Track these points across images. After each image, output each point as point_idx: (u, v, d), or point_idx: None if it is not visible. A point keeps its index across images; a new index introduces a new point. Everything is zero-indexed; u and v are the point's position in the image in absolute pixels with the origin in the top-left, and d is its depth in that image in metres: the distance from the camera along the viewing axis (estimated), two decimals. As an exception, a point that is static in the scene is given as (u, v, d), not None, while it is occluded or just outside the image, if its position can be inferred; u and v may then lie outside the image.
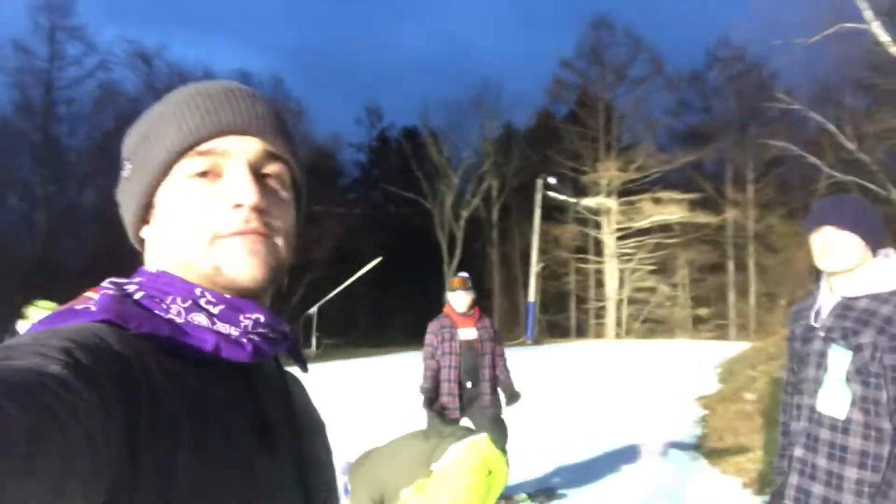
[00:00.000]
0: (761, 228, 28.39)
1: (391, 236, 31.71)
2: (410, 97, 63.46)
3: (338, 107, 68.62)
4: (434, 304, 34.25)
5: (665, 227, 31.65)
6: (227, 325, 0.61)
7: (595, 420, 7.53)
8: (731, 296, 31.38)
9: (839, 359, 1.79)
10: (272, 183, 0.66)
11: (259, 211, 0.63)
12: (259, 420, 0.63)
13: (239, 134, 0.64)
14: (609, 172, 32.55)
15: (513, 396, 4.51)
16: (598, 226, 34.10)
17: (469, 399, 4.36)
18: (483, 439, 2.60)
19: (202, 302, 0.62)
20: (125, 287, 0.63)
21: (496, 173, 34.31)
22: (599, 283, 34.33)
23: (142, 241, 0.69)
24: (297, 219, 0.70)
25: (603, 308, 33.51)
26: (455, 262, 33.50)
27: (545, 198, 27.93)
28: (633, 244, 33.04)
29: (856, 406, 1.75)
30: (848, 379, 1.76)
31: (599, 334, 31.94)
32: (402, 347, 23.38)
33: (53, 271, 21.08)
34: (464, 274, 4.69)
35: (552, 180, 28.49)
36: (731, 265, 31.67)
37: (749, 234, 30.10)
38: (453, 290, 4.52)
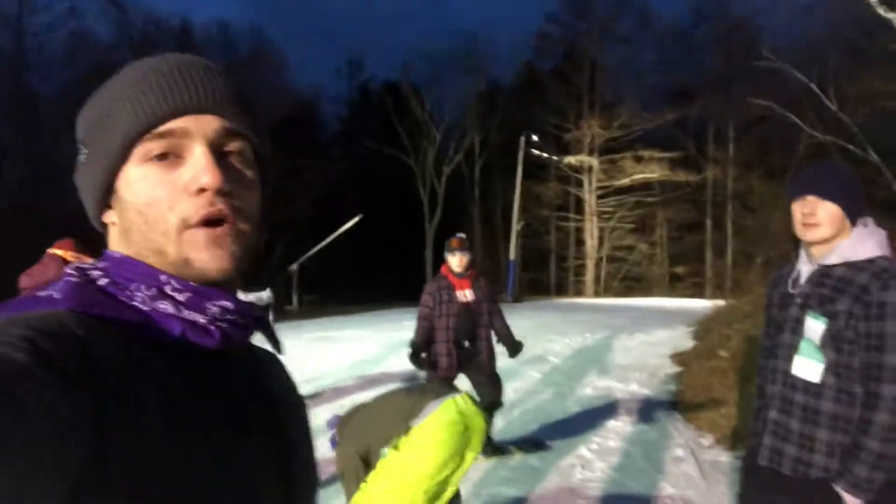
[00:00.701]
0: (740, 188, 28.60)
1: (372, 192, 31.42)
2: (392, 50, 62.09)
3: (318, 58, 67.13)
4: (415, 261, 34.23)
5: (645, 186, 31.81)
6: (193, 313, 0.60)
7: (575, 376, 7.66)
8: (709, 255, 31.81)
9: (814, 325, 1.82)
10: (235, 161, 0.64)
11: (223, 194, 0.61)
12: (232, 405, 0.62)
13: (197, 113, 0.61)
14: (592, 130, 32.46)
15: (515, 347, 4.62)
16: (579, 184, 34.15)
17: (466, 358, 4.44)
18: (461, 397, 2.62)
19: (168, 289, 0.60)
20: (89, 273, 0.61)
21: (479, 129, 33.99)
22: (580, 242, 34.59)
23: (104, 225, 0.66)
24: (263, 195, 0.68)
25: (582, 266, 33.85)
26: (436, 218, 33.43)
27: (528, 155, 27.77)
28: (613, 203, 33.23)
29: (829, 371, 1.79)
30: (822, 345, 1.80)
31: (579, 292, 32.33)
32: (383, 304, 23.48)
33: (27, 222, 20.65)
34: (461, 235, 4.70)
35: (535, 137, 28.29)
36: (709, 224, 32.01)
37: (728, 194, 30.34)
38: (451, 250, 4.53)
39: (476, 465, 4.53)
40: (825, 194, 1.82)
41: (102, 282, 0.60)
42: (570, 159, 33.13)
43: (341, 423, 2.74)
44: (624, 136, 32.06)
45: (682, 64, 33.21)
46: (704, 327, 11.14)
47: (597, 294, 31.23)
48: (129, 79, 0.63)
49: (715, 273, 30.49)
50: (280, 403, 0.71)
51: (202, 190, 0.60)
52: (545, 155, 30.14)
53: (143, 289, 0.60)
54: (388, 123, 33.85)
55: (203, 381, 0.60)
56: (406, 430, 2.47)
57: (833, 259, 1.82)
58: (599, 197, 33.65)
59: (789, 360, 1.88)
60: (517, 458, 4.69)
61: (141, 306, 0.59)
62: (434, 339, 4.43)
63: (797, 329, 1.86)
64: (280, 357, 0.79)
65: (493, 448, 4.66)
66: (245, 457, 0.61)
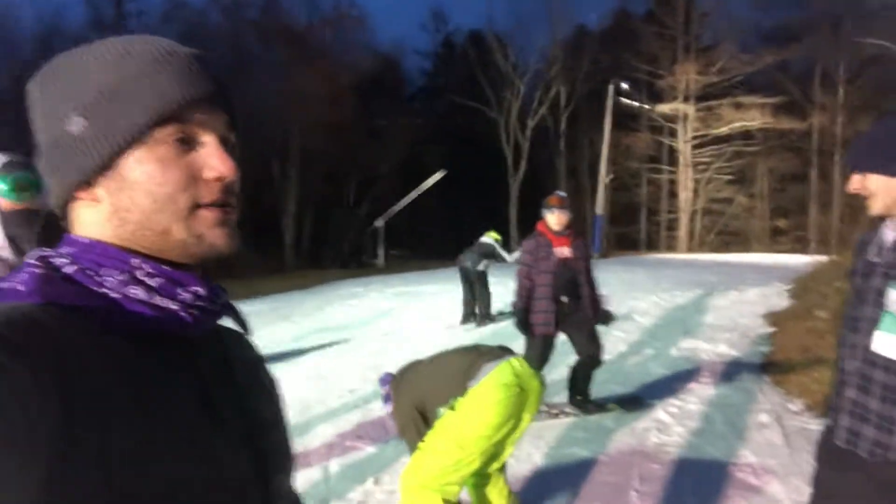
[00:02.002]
0: (849, 135, 26.34)
1: (456, 147, 31.31)
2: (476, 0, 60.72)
3: (401, 13, 66.74)
4: (499, 217, 34.07)
5: (745, 134, 29.90)
6: (165, 300, 0.60)
7: (659, 336, 7.43)
8: (813, 208, 29.70)
9: (890, 295, 1.65)
10: (231, 153, 0.66)
11: (232, 184, 0.64)
12: (203, 391, 0.62)
13: (212, 104, 0.64)
14: (687, 76, 30.76)
15: (606, 316, 4.70)
16: (672, 134, 32.60)
17: (565, 315, 4.46)
18: (517, 359, 2.59)
19: (139, 274, 0.60)
20: (53, 261, 0.60)
21: (565, 79, 32.90)
22: (672, 194, 33.20)
23: (66, 208, 0.64)
24: None
25: (675, 220, 32.57)
26: (520, 173, 32.96)
27: (617, 105, 26.68)
28: (710, 153, 31.53)
29: None
30: None
31: (671, 247, 31.22)
32: (467, 259, 23.61)
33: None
34: (561, 193, 4.70)
35: (625, 86, 27.09)
36: (814, 175, 29.77)
37: (836, 142, 27.98)
38: (549, 208, 4.53)
39: (551, 425, 4.52)
40: (864, 167, 1.70)
41: (69, 269, 0.59)
42: (664, 108, 31.63)
43: (395, 381, 2.76)
44: (722, 82, 30.14)
45: (785, 1, 30.60)
46: (802, 285, 10.48)
47: (690, 249, 30.03)
48: (144, 56, 0.61)
49: (820, 228, 28.50)
50: (250, 385, 0.71)
51: (220, 178, 0.63)
52: (636, 104, 28.90)
53: (114, 274, 0.59)
54: (471, 77, 33.38)
55: (173, 368, 0.60)
56: (463, 390, 2.46)
57: None
58: (695, 147, 32.01)
59: (870, 334, 1.71)
60: (594, 418, 4.63)
61: (111, 293, 0.59)
62: (533, 295, 4.45)
63: (879, 301, 1.70)
64: (249, 336, 0.78)
65: (593, 405, 4.71)
66: (216, 442, 0.61)
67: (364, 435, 4.44)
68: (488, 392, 2.43)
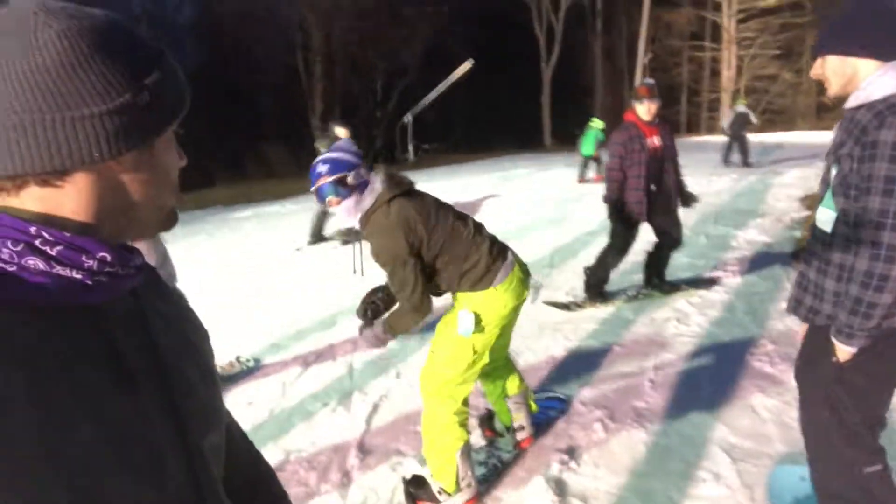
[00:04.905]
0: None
1: (484, 33, 29.88)
2: None
3: None
4: (531, 104, 32.83)
5: (795, 5, 27.72)
6: (67, 269, 0.57)
7: (688, 224, 7.29)
8: (865, 80, 27.93)
9: (832, 172, 1.77)
10: None
11: None
12: (113, 360, 0.60)
13: None
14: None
15: (690, 198, 4.81)
16: (717, 7, 30.44)
17: (653, 202, 4.57)
18: (519, 262, 2.57)
19: (38, 243, 0.56)
20: None
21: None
22: (714, 73, 31.51)
23: (16, 180, 0.57)
24: None
25: (717, 100, 31.09)
26: (553, 58, 31.53)
27: (657, -23, 24.90)
28: (756, 26, 29.45)
29: (839, 219, 1.75)
30: (834, 193, 1.75)
31: (712, 129, 30.01)
32: (500, 151, 23.22)
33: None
34: (649, 80, 4.70)
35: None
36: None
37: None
38: (639, 98, 4.53)
39: (570, 318, 4.56)
40: (819, 50, 1.77)
41: None
42: (708, -22, 29.37)
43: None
44: (773, -55, 27.64)
45: None
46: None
47: (732, 131, 28.85)
48: (166, 58, 0.64)
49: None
50: (173, 345, 0.69)
51: (182, 166, 0.70)
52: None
53: (9, 244, 0.56)
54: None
55: (80, 339, 0.58)
56: (468, 286, 2.43)
57: (851, 102, 1.71)
58: (740, 21, 29.93)
59: (815, 210, 1.87)
60: (613, 309, 4.65)
61: (7, 267, 0.56)
62: (627, 186, 4.53)
63: (826, 178, 1.82)
64: (178, 290, 0.78)
65: (668, 285, 4.96)
66: (130, 412, 0.60)
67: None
68: (498, 302, 2.42)
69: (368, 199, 2.36)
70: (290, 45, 26.05)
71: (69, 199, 0.58)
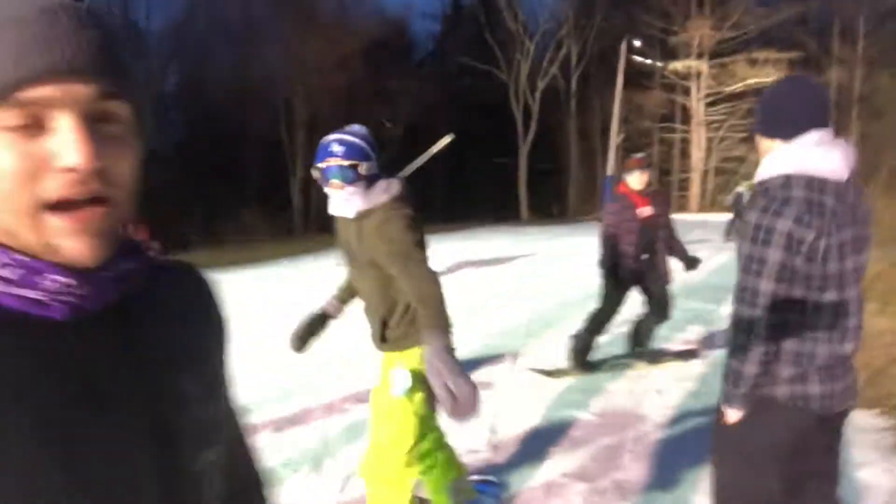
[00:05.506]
0: (867, 91, 25.62)
1: (465, 111, 30.91)
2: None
3: (409, -28, 65.16)
4: (508, 180, 33.53)
5: (760, 91, 29.18)
6: (25, 290, 0.53)
7: (682, 292, 7.37)
8: (830, 165, 29.14)
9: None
10: (111, 129, 0.55)
11: (97, 172, 0.52)
12: (84, 379, 0.56)
13: (67, 75, 0.51)
14: (700, 31, 29.97)
15: (691, 262, 4.83)
16: (686, 92, 31.96)
17: (643, 271, 4.67)
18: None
19: None
20: None
21: (576, 38, 32.21)
22: (684, 154, 32.68)
23: None
24: (138, 157, 0.59)
25: (687, 180, 32.14)
26: (530, 136, 32.53)
27: (629, 63, 26.09)
28: (723, 110, 30.88)
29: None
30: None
31: (682, 207, 30.85)
32: (478, 223, 23.52)
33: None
34: (639, 154, 4.91)
35: (637, 43, 26.47)
36: (830, 131, 29.15)
37: (854, 97, 27.27)
38: (630, 170, 4.65)
39: (551, 387, 4.51)
40: (753, 131, 1.89)
41: None
42: (677, 65, 30.97)
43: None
44: (736, 38, 29.42)
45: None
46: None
47: (702, 209, 29.69)
48: None
49: (836, 184, 27.97)
50: (168, 360, 0.63)
51: (70, 169, 0.51)
52: (648, 61, 28.34)
53: None
54: (480, 38, 32.76)
55: (44, 358, 0.54)
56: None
57: (755, 179, 1.86)
58: (708, 105, 31.41)
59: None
60: (593, 380, 4.61)
61: None
62: (619, 254, 4.64)
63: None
64: (203, 279, 0.73)
65: (650, 357, 4.98)
66: (99, 432, 0.55)
67: (363, 398, 4.46)
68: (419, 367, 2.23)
69: (383, 196, 2.21)
70: (275, 117, 26.59)
71: None
